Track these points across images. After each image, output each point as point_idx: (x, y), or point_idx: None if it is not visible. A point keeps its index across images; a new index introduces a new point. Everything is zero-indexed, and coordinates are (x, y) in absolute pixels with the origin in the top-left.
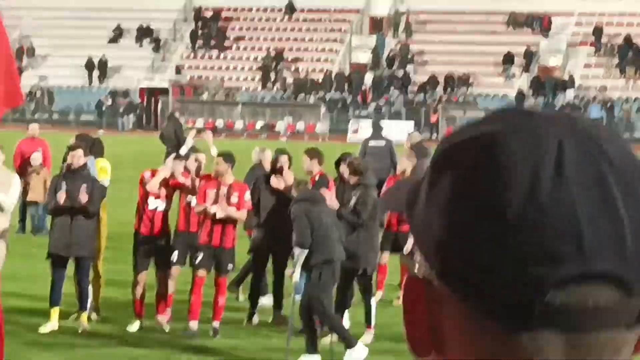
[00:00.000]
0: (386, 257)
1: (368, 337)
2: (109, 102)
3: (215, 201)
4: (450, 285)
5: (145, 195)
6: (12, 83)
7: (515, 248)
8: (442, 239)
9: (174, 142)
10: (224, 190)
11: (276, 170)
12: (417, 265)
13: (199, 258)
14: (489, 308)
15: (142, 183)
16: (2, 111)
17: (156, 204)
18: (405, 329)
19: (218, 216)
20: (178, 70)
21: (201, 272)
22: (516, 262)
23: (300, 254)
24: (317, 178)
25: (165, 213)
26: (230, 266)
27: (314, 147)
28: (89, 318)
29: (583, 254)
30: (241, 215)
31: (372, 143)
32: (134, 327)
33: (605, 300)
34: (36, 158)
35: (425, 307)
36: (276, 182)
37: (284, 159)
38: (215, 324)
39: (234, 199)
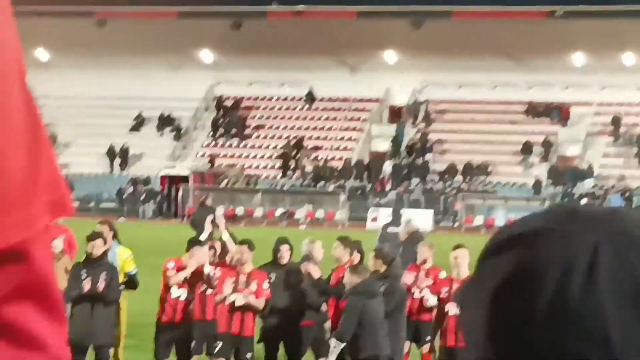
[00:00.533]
0: (406, 346)
1: None
2: (130, 189)
3: (235, 289)
4: None
5: (168, 284)
6: (58, 187)
7: (541, 351)
8: (480, 337)
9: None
10: (243, 278)
11: (276, 259)
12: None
13: (218, 347)
14: None
15: (166, 272)
16: (46, 219)
17: (179, 293)
18: None
19: (237, 304)
20: (212, 161)
21: None
22: None
23: (337, 346)
24: (346, 267)
25: (188, 302)
26: (249, 355)
27: (347, 236)
28: None
29: (612, 358)
30: (259, 303)
31: (390, 229)
32: None
33: None
34: (57, 245)
35: None
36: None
37: (284, 248)
38: None
39: (253, 286)
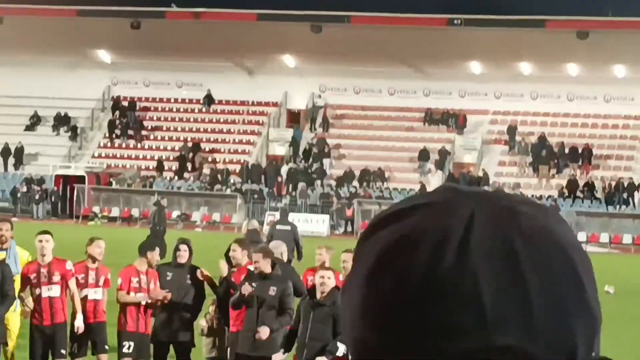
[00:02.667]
0: None
1: None
2: (24, 189)
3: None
4: (360, 356)
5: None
6: None
7: (416, 321)
8: (356, 313)
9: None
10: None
11: (175, 259)
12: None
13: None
14: None
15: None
16: None
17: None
18: None
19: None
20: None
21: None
22: (417, 334)
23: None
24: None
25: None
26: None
27: (243, 238)
28: None
29: (485, 326)
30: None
31: (279, 227)
32: None
33: None
34: None
35: None
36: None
37: (183, 248)
38: None
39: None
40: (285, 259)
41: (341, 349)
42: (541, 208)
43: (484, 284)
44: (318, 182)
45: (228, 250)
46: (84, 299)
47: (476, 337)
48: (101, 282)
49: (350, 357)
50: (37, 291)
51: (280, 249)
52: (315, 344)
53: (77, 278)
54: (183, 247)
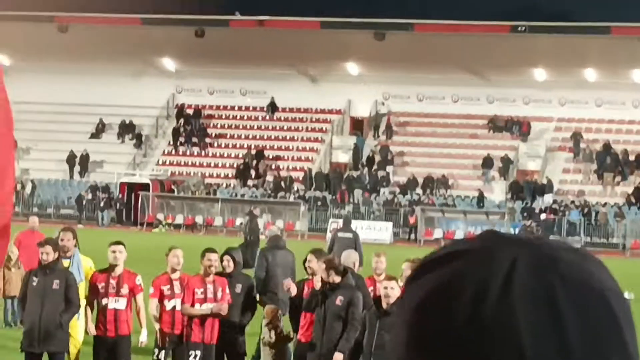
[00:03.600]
0: None
1: None
2: (89, 196)
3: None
4: None
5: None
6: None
7: None
8: (402, 350)
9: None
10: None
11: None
12: None
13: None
14: None
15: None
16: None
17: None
18: None
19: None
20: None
21: None
22: None
23: None
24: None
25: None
26: None
27: (321, 248)
28: None
29: None
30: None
31: (340, 234)
32: None
33: None
34: (15, 252)
35: None
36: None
37: (226, 258)
38: None
39: (219, 294)
40: (356, 268)
41: None
42: (582, 254)
43: (525, 327)
44: (381, 189)
45: (304, 260)
46: (171, 311)
47: None
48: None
49: None
50: (104, 301)
51: (352, 258)
52: (381, 353)
53: (162, 290)
54: (226, 257)
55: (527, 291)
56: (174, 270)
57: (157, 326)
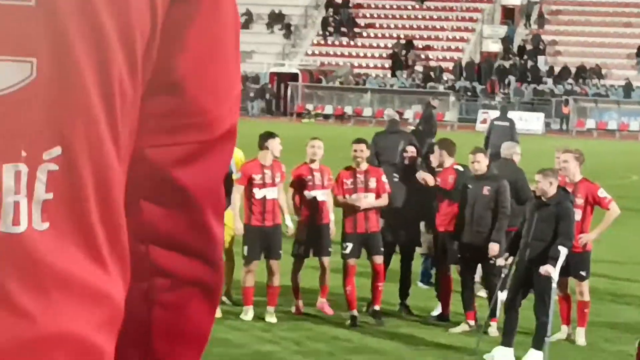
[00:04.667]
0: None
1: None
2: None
3: (354, 190)
4: None
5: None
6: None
7: None
8: None
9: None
10: (361, 177)
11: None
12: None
13: (349, 248)
14: None
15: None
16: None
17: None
18: None
19: (363, 207)
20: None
21: (351, 261)
22: None
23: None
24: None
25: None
26: (381, 249)
27: (445, 138)
28: (220, 301)
29: None
30: (383, 200)
31: (496, 123)
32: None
33: None
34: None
35: None
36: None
37: (410, 149)
38: (377, 307)
39: (372, 184)
40: (517, 159)
41: (563, 253)
42: None
43: None
44: (533, 79)
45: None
46: (312, 200)
47: None
48: (325, 183)
49: None
50: (263, 192)
51: (512, 149)
52: (538, 243)
53: (304, 179)
54: (410, 148)
55: None
56: (312, 161)
57: (295, 218)
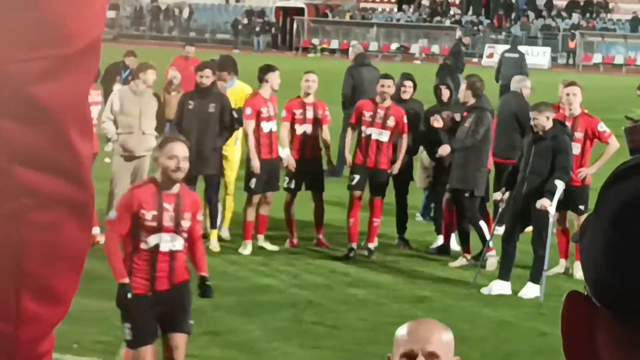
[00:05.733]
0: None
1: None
2: (245, 21)
3: (371, 124)
4: (600, 298)
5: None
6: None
7: None
8: (598, 254)
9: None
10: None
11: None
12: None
13: (356, 179)
14: (637, 320)
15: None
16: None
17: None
18: (563, 343)
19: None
20: None
21: (357, 193)
22: None
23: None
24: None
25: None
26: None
27: (474, 74)
28: (219, 237)
29: None
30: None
31: (507, 54)
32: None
33: None
34: (176, 77)
35: (585, 324)
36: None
37: (408, 84)
38: (371, 245)
39: (391, 122)
40: (527, 93)
41: (560, 186)
42: None
43: None
44: (539, 14)
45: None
46: (302, 135)
47: None
48: (319, 117)
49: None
50: (269, 126)
51: (521, 84)
52: (535, 177)
53: (294, 114)
54: (408, 83)
55: None
56: (306, 95)
57: (287, 151)
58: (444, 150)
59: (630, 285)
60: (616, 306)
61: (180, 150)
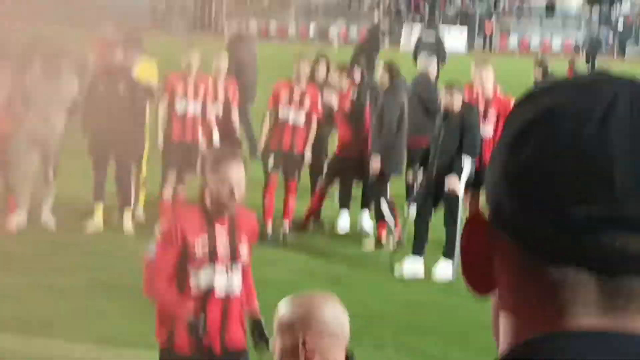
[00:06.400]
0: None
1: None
2: (162, 5)
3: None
4: (497, 220)
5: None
6: None
7: (550, 187)
8: (497, 176)
9: None
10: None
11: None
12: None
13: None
14: (528, 241)
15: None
16: None
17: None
18: (462, 261)
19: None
20: None
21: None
22: (549, 199)
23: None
24: None
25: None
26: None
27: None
28: (133, 215)
29: (613, 196)
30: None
31: (424, 39)
32: None
33: (637, 247)
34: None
35: (484, 243)
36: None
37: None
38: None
39: (307, 102)
40: (433, 76)
41: (467, 164)
42: None
43: (619, 157)
44: None
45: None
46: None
47: (603, 205)
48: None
49: (490, 213)
50: (183, 106)
51: (426, 64)
52: (445, 156)
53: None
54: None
55: (626, 124)
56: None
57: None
58: (376, 164)
59: (524, 207)
60: (511, 229)
61: (236, 172)
